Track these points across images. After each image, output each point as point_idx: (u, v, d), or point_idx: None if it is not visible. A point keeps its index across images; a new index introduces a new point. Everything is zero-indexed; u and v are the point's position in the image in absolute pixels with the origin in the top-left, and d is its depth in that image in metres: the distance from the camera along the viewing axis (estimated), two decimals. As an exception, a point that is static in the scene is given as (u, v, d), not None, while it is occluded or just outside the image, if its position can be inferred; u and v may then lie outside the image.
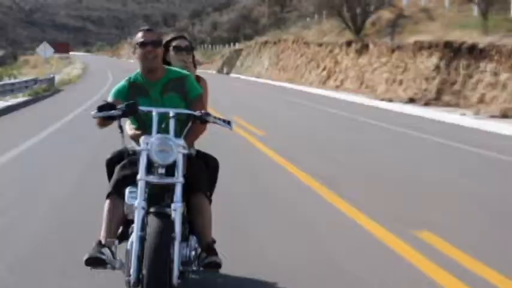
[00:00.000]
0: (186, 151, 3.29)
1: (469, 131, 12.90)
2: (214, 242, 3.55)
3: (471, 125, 13.76)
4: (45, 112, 17.62)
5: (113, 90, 3.59)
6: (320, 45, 31.15)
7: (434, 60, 19.98)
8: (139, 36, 3.52)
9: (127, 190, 3.30)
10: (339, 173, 7.74)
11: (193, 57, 4.02)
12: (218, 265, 3.39)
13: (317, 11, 34.99)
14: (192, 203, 3.45)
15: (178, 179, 3.22)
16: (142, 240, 3.06)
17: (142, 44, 3.47)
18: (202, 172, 3.54)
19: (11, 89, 19.94)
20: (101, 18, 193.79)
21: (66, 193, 6.53)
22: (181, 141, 3.28)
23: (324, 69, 29.80)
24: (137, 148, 3.29)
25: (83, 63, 71.78)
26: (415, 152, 10.05)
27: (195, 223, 3.48)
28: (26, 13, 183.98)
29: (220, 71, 51.65)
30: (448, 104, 17.90)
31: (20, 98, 19.76)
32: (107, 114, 3.26)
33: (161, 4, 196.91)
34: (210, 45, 74.37)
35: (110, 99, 3.51)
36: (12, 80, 23.51)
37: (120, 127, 3.36)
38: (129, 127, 3.62)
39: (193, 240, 3.47)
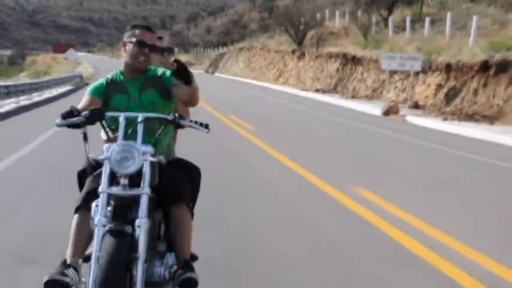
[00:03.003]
0: (154, 159, 3.03)
1: (332, 106, 23.67)
2: (196, 258, 3.42)
3: (332, 102, 24.69)
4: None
5: (90, 88, 3.43)
6: (277, 52, 42.19)
7: (336, 65, 30.88)
8: (138, 34, 3.29)
9: (94, 204, 2.99)
10: (255, 125, 18.54)
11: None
12: (195, 283, 3.11)
13: (276, 26, 45.90)
14: (171, 214, 3.21)
15: (144, 190, 2.94)
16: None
17: (140, 44, 3.26)
18: (182, 181, 3.30)
19: (67, 81, 31.19)
20: (101, 19, 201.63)
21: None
22: (149, 148, 3.02)
23: (277, 70, 40.83)
24: (99, 157, 3.07)
25: (90, 63, 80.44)
26: (293, 113, 20.88)
27: (174, 236, 3.22)
28: (29, 14, 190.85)
29: (207, 70, 62.55)
30: (337, 92, 28.73)
31: (69, 87, 30.66)
32: (70, 122, 3.04)
33: (159, 6, 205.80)
34: (202, 49, 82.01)
35: (86, 96, 3.36)
36: (57, 76, 34.58)
37: (85, 135, 3.09)
38: (103, 132, 3.34)
39: (170, 258, 3.22)
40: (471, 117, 16.89)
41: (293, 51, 38.57)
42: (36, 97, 21.50)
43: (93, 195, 3.06)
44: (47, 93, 24.43)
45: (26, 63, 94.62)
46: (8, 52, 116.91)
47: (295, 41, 38.60)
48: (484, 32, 22.14)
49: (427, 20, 26.81)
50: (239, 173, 8.50)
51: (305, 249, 4.94)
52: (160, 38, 3.89)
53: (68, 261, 3.08)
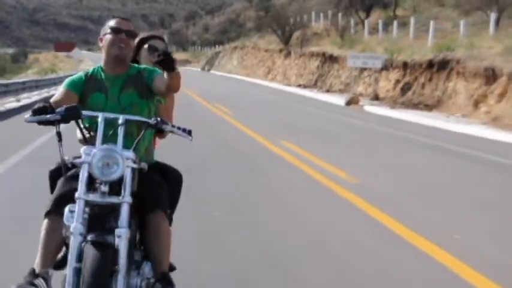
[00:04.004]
0: (135, 165, 2.88)
1: (306, 98, 27.26)
2: (174, 269, 3.27)
3: (309, 95, 28.34)
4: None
5: (67, 80, 3.21)
6: (266, 50, 45.87)
7: (317, 62, 34.51)
8: (113, 22, 3.16)
9: (67, 209, 2.80)
10: (235, 113, 22.13)
11: None
12: None
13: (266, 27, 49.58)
14: (147, 223, 3.05)
15: (125, 198, 2.79)
16: (78, 273, 2.65)
17: (116, 30, 3.12)
18: (160, 187, 3.17)
19: (76, 77, 34.97)
20: (101, 17, 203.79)
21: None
22: (130, 154, 2.86)
23: (266, 67, 44.52)
24: (77, 161, 2.85)
25: (91, 60, 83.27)
26: (275, 107, 24.48)
27: (150, 247, 3.07)
28: (30, 12, 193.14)
29: (203, 68, 66.18)
30: (317, 87, 32.33)
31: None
32: (43, 119, 2.84)
33: (159, 4, 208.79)
34: (199, 47, 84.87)
35: (62, 89, 3.17)
36: (69, 73, 38.20)
37: (59, 134, 2.92)
38: (79, 131, 3.09)
39: (147, 267, 3.06)
40: (416, 106, 20.53)
41: (280, 50, 42.19)
42: (52, 91, 25.18)
43: (65, 199, 2.87)
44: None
45: (28, 61, 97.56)
46: (10, 50, 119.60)
47: (282, 40, 42.21)
48: (443, 34, 25.78)
49: (395, 23, 30.45)
50: (213, 138, 12.17)
51: (243, 167, 8.64)
52: (160, 39, 3.75)
53: (37, 271, 2.94)
